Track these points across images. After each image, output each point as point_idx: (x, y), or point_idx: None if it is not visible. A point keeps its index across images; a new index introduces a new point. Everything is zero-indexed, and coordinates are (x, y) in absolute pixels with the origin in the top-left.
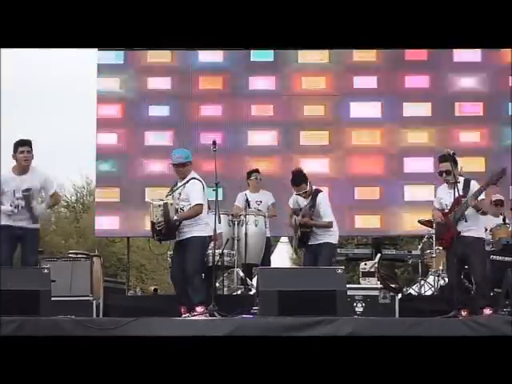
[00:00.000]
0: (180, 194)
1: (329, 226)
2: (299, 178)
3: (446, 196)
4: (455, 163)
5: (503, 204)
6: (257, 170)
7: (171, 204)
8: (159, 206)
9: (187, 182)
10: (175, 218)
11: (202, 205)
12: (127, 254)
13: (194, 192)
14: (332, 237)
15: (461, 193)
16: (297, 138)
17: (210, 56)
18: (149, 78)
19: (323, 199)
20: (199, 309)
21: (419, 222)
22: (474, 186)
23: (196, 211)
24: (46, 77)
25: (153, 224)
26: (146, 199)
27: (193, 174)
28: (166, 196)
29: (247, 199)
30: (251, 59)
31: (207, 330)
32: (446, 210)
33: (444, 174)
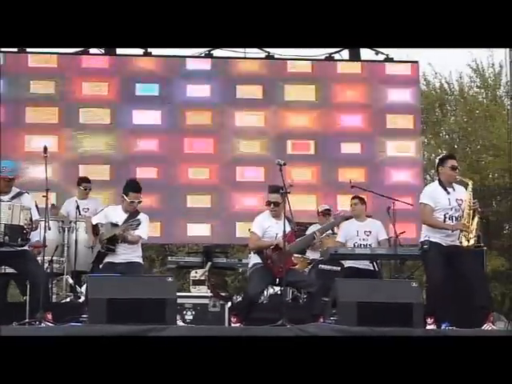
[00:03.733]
0: (20, 204)
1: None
2: (139, 185)
3: (272, 224)
4: (283, 195)
5: (330, 213)
6: (87, 180)
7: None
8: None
9: (19, 195)
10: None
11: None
12: None
13: (33, 207)
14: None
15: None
16: (129, 144)
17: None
18: None
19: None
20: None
21: (250, 230)
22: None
23: (38, 225)
24: None
25: (14, 226)
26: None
27: (14, 187)
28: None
29: (78, 206)
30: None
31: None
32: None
33: (272, 205)
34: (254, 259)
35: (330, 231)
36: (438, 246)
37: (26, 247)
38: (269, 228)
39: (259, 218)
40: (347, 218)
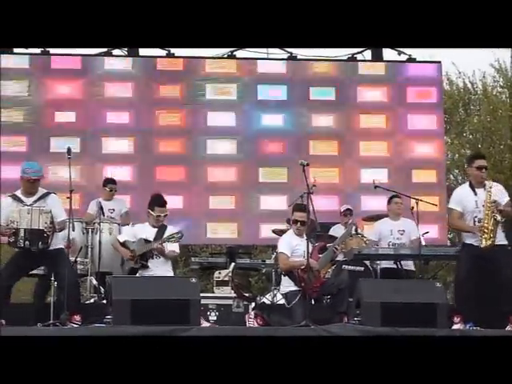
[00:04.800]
0: (38, 207)
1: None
2: (163, 199)
3: (299, 242)
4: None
5: (352, 213)
6: (113, 181)
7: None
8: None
9: (45, 196)
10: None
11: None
12: None
13: (58, 208)
14: None
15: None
16: (154, 146)
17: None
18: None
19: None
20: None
21: (273, 231)
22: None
23: (65, 225)
24: None
25: (34, 231)
26: (20, 206)
27: (40, 188)
28: (23, 206)
29: (101, 207)
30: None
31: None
32: (303, 258)
33: (299, 224)
34: (286, 284)
35: (353, 231)
36: (469, 246)
37: (61, 246)
38: (297, 246)
39: (286, 238)
40: (379, 217)
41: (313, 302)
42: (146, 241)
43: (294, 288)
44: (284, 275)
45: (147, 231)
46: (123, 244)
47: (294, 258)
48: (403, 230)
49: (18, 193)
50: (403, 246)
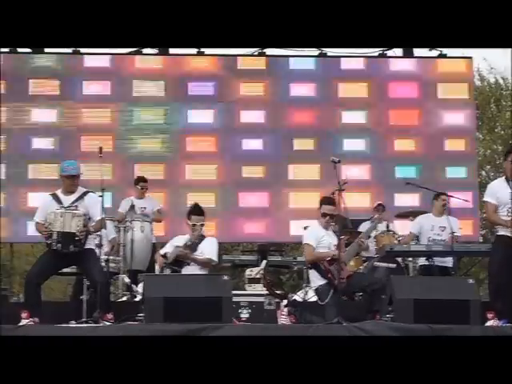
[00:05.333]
0: (77, 206)
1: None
2: (200, 208)
3: (325, 234)
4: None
5: (384, 209)
6: (144, 179)
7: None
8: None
9: (83, 195)
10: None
11: (104, 219)
12: (11, 259)
13: (96, 207)
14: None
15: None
16: (183, 144)
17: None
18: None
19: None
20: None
21: (305, 228)
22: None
23: (102, 225)
24: None
25: (66, 234)
26: (55, 209)
27: (80, 187)
28: (59, 208)
29: (133, 205)
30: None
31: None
32: (333, 248)
33: (327, 217)
34: (314, 278)
35: (384, 228)
36: (502, 237)
37: (91, 246)
38: (323, 238)
39: (311, 229)
40: (412, 214)
41: (341, 294)
42: (177, 247)
43: (323, 281)
44: (310, 268)
45: (184, 240)
46: (164, 256)
47: (319, 250)
48: (444, 227)
49: (59, 192)
50: (441, 243)
